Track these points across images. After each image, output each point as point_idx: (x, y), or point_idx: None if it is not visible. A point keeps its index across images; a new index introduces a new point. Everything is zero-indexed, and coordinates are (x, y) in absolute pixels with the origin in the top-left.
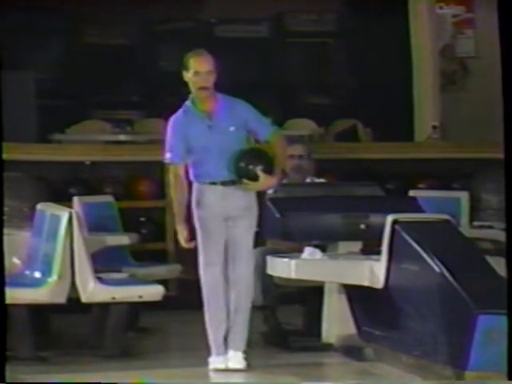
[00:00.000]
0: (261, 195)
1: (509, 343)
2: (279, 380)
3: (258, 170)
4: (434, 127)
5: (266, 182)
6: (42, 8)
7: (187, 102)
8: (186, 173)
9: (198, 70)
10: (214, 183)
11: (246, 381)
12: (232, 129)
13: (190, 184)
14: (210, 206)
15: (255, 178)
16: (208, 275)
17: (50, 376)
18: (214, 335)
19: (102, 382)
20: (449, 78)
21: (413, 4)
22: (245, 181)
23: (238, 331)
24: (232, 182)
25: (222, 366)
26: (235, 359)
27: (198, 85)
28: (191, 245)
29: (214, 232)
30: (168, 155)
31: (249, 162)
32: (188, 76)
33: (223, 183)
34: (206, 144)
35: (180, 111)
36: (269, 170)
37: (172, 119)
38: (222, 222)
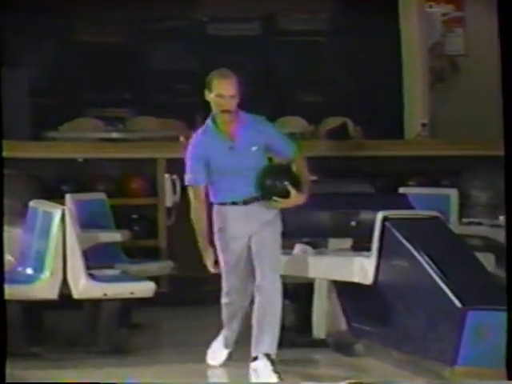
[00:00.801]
0: None
1: (508, 343)
2: None
3: (288, 185)
4: (424, 125)
5: (297, 199)
6: (36, 7)
7: (208, 121)
8: (207, 195)
9: (222, 93)
10: (235, 203)
11: (240, 378)
12: (254, 148)
13: (210, 206)
14: (233, 229)
15: (285, 195)
16: (230, 298)
17: (44, 372)
18: (226, 333)
19: (95, 377)
20: (438, 75)
21: (403, 3)
22: (275, 198)
23: (263, 335)
24: (255, 199)
25: (220, 361)
26: (264, 365)
27: (220, 108)
28: (218, 270)
29: (237, 255)
30: (188, 176)
31: (276, 178)
32: (210, 96)
33: (245, 202)
34: (226, 164)
35: (200, 131)
36: (296, 186)
37: (192, 140)
38: (245, 242)
